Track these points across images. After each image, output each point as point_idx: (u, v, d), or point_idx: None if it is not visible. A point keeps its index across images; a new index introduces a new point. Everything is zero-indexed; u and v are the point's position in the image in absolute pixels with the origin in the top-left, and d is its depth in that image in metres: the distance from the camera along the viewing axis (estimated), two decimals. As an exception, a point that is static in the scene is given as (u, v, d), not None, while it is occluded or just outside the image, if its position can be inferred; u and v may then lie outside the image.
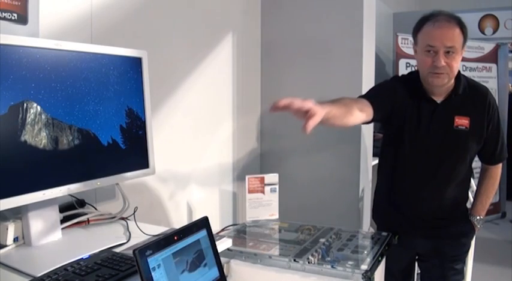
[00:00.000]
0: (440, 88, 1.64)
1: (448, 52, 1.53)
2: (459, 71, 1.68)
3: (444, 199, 1.70)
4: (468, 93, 1.67)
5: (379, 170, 1.88)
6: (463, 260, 1.81)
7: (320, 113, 1.18)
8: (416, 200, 1.72)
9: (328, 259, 1.48)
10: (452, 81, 1.65)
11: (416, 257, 1.84)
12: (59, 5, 1.40)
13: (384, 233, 1.72)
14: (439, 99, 1.66)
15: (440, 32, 1.53)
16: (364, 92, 2.18)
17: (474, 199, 1.81)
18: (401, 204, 1.76)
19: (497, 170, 1.77)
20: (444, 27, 1.53)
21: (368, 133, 2.34)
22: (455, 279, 1.78)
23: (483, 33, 4.64)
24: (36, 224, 1.19)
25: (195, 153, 2.04)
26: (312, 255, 1.48)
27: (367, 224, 2.27)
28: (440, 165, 1.67)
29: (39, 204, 1.16)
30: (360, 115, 1.52)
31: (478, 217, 1.77)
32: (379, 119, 1.71)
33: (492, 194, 1.78)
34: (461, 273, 1.83)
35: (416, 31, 1.63)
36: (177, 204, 1.96)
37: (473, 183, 1.93)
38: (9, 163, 1.04)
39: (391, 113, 1.67)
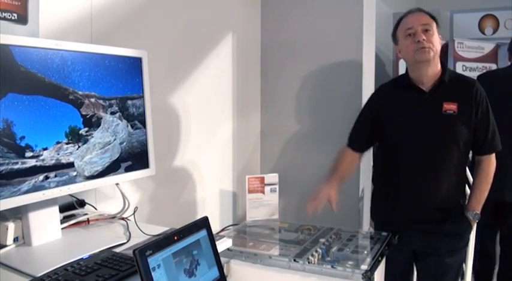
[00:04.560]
0: (428, 69, 1.70)
1: (426, 30, 1.67)
2: (445, 63, 1.77)
3: (439, 187, 1.71)
4: (455, 81, 1.74)
5: (374, 164, 1.91)
6: (461, 256, 1.81)
7: (333, 191, 1.73)
8: (411, 187, 1.74)
9: (328, 259, 1.48)
10: (439, 67, 1.73)
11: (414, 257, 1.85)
12: (59, 5, 1.40)
13: (384, 233, 1.72)
14: (427, 89, 1.73)
15: (413, 16, 1.72)
16: (364, 92, 2.20)
17: (469, 194, 1.82)
18: (396, 194, 1.78)
19: (489, 162, 1.77)
20: (417, 13, 1.73)
21: (368, 133, 2.34)
22: (453, 277, 1.78)
23: (483, 33, 4.63)
24: (36, 224, 1.19)
25: (195, 153, 2.04)
26: (312, 255, 1.48)
27: (367, 224, 2.27)
28: (432, 148, 1.70)
29: (39, 204, 1.16)
30: (358, 161, 1.93)
31: (473, 212, 1.77)
32: (372, 145, 1.93)
33: (486, 188, 1.77)
34: (459, 272, 1.83)
35: (394, 31, 1.79)
36: (177, 204, 1.96)
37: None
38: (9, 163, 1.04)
39: (378, 123, 1.82)
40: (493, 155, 1.77)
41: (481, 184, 1.77)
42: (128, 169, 1.36)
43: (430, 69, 1.70)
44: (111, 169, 1.31)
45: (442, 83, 1.71)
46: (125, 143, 1.35)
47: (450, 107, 1.68)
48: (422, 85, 1.73)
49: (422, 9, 1.74)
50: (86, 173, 1.23)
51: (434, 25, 1.69)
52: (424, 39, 1.65)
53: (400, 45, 1.76)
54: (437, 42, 1.68)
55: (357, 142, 1.89)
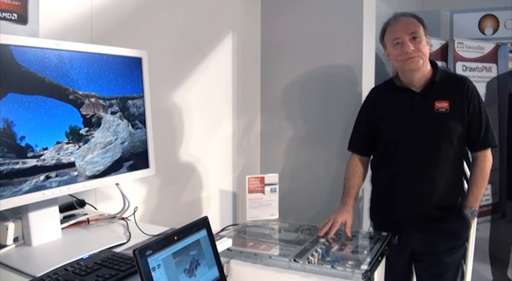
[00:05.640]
0: (418, 74, 1.72)
1: (413, 38, 1.68)
2: (436, 63, 1.78)
3: (436, 184, 1.72)
4: (446, 80, 1.75)
5: (371, 165, 1.91)
6: (460, 255, 1.81)
7: (349, 218, 1.74)
8: (408, 186, 1.74)
9: (328, 259, 1.48)
10: (429, 69, 1.74)
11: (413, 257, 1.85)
12: (59, 5, 1.40)
13: (384, 233, 1.72)
14: (418, 89, 1.75)
15: (400, 24, 1.71)
16: (364, 92, 2.20)
17: (466, 191, 1.82)
18: (394, 194, 1.78)
19: (485, 158, 1.77)
20: (402, 20, 1.72)
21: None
22: (452, 277, 1.79)
23: (483, 33, 4.63)
24: (36, 224, 1.19)
25: (195, 153, 2.04)
26: (312, 255, 1.48)
27: (367, 224, 2.27)
28: (427, 146, 1.71)
29: (39, 204, 1.16)
30: (366, 166, 1.91)
31: (471, 209, 1.77)
32: (375, 143, 1.87)
33: (482, 185, 1.77)
34: (458, 272, 1.83)
35: (382, 38, 1.80)
36: (177, 204, 1.96)
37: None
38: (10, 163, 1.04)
39: (373, 125, 1.84)
40: (489, 151, 1.77)
41: (477, 180, 1.77)
42: (130, 169, 1.36)
43: (420, 74, 1.72)
44: (112, 168, 1.31)
45: (433, 83, 1.73)
46: (126, 143, 1.35)
47: (442, 105, 1.70)
48: (414, 87, 1.75)
49: (408, 13, 1.75)
50: (88, 173, 1.24)
51: (421, 30, 1.69)
52: (412, 49, 1.66)
53: (388, 51, 1.77)
54: (425, 48, 1.69)
55: (359, 145, 1.91)
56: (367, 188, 2.30)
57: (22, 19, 1.25)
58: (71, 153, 1.19)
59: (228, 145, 2.31)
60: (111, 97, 1.30)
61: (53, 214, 1.24)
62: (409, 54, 1.67)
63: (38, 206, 1.17)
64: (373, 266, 1.41)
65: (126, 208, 1.45)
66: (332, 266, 1.42)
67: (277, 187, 1.97)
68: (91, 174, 1.25)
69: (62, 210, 1.31)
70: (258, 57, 2.51)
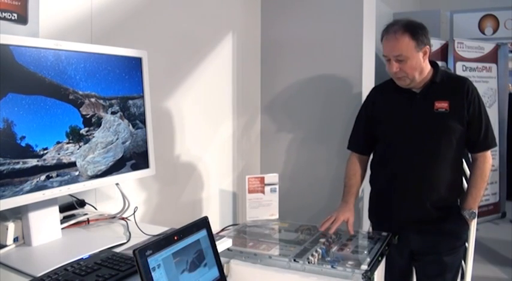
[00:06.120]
0: (411, 86, 1.73)
1: (398, 60, 1.67)
2: (437, 64, 1.78)
3: (435, 184, 1.72)
4: (446, 81, 1.75)
5: (370, 165, 1.91)
6: (459, 256, 1.81)
7: (351, 216, 1.75)
8: (407, 186, 1.74)
9: (328, 259, 1.48)
10: (428, 70, 1.74)
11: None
12: (59, 5, 1.40)
13: (384, 233, 1.72)
14: (418, 90, 1.75)
15: (388, 44, 1.69)
16: (364, 92, 2.21)
17: (465, 193, 1.82)
18: (392, 194, 1.78)
19: (484, 159, 1.76)
20: (390, 40, 1.68)
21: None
22: (451, 277, 1.79)
23: (483, 33, 4.64)
24: (36, 224, 1.19)
25: (195, 153, 2.04)
26: (312, 255, 1.48)
27: (367, 224, 2.27)
28: (426, 146, 1.71)
29: (39, 204, 1.16)
30: (365, 165, 1.93)
31: (469, 211, 1.77)
32: (374, 143, 1.89)
33: (481, 186, 1.77)
34: (458, 272, 1.83)
35: (382, 40, 1.77)
36: (177, 204, 1.96)
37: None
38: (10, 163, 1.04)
39: (373, 124, 1.85)
40: (488, 153, 1.77)
41: (476, 182, 1.77)
42: (128, 169, 1.36)
43: (413, 84, 1.72)
44: (114, 168, 1.31)
45: (433, 84, 1.73)
46: (128, 142, 1.35)
47: (442, 105, 1.70)
48: (414, 87, 1.75)
49: (400, 28, 1.64)
50: (89, 173, 1.24)
51: (410, 48, 1.64)
52: (396, 71, 1.67)
53: None
54: (410, 69, 1.66)
55: (358, 144, 1.92)
56: (367, 188, 2.30)
57: (22, 19, 1.25)
58: (72, 153, 1.19)
59: (228, 145, 2.31)
60: (111, 97, 1.30)
61: (53, 214, 1.24)
62: (394, 74, 1.70)
63: (38, 206, 1.17)
64: (373, 266, 1.41)
65: (126, 208, 1.45)
66: (332, 266, 1.42)
67: (277, 187, 1.97)
68: (93, 174, 1.25)
69: (62, 210, 1.31)
70: (258, 57, 2.51)
